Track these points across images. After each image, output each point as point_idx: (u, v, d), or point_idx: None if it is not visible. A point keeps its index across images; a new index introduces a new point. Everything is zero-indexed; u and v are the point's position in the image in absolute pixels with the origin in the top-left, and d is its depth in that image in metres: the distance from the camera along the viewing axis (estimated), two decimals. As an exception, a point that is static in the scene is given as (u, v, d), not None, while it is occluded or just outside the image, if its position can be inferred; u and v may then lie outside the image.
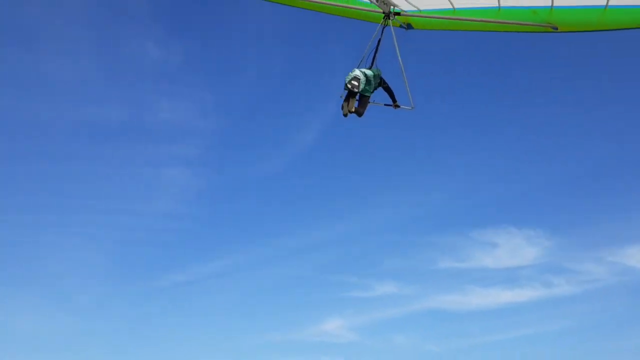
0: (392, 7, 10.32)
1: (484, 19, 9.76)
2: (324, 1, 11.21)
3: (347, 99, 10.37)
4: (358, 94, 10.41)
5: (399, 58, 10.40)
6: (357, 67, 10.35)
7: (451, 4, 9.39)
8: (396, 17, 10.56)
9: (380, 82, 10.81)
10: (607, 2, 8.00)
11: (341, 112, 10.49)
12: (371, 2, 10.24)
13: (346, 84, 10.09)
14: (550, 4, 8.61)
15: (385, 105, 10.94)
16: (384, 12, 10.46)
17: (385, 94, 10.97)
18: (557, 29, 9.22)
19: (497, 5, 9.02)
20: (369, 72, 10.37)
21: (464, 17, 10.04)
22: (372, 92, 10.69)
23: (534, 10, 9.13)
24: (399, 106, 10.94)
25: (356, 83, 10.09)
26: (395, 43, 10.44)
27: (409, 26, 11.11)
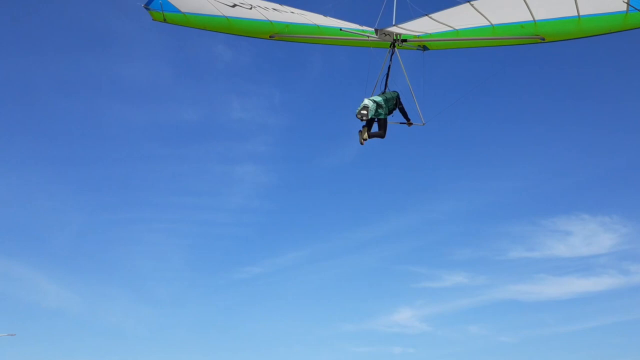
0: (396, 35, 11.52)
1: (484, 37, 10.99)
2: (337, 37, 12.26)
3: (363, 128, 11.57)
4: (375, 120, 11.69)
5: (407, 79, 11.93)
6: (373, 94, 11.70)
7: (452, 27, 10.49)
8: (404, 43, 11.85)
9: (396, 104, 11.89)
10: (579, 13, 9.08)
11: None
12: (375, 38, 11.60)
13: (356, 115, 11.17)
14: (532, 19, 9.67)
15: (400, 123, 12.18)
16: (391, 45, 11.82)
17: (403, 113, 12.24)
18: (544, 39, 10.59)
19: (491, 23, 10.08)
20: (378, 98, 11.51)
21: (467, 37, 11.24)
22: (389, 113, 11.77)
23: (522, 25, 10.16)
24: (412, 124, 12.17)
25: (365, 112, 11.14)
26: (402, 66, 11.89)
27: (425, 48, 12.38)
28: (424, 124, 12.14)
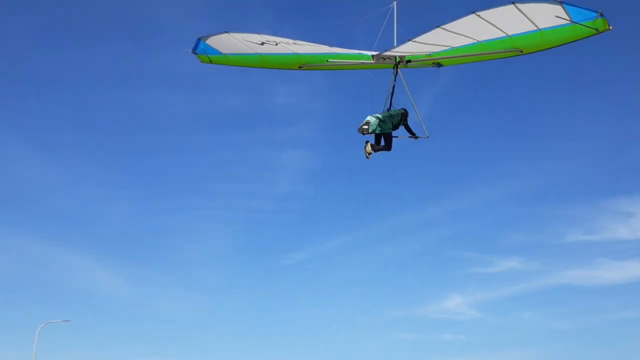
0: (398, 56, 12.66)
1: (477, 52, 12.18)
2: (344, 62, 13.51)
3: (366, 143, 12.57)
4: (382, 136, 12.83)
5: (410, 97, 13.02)
6: (384, 109, 12.91)
7: (449, 45, 11.73)
8: (409, 63, 12.96)
9: (401, 119, 12.89)
10: (539, 27, 10.34)
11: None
12: (379, 61, 12.89)
13: (358, 130, 12.35)
14: (507, 34, 10.84)
15: (408, 137, 13.18)
16: (394, 66, 12.99)
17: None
18: (522, 51, 11.84)
19: (479, 40, 11.28)
20: (381, 115, 12.58)
21: (464, 54, 12.46)
22: (394, 128, 12.83)
23: (502, 40, 11.24)
24: (417, 137, 13.16)
25: (366, 127, 12.30)
26: (405, 85, 13.04)
27: (440, 65, 13.44)
28: (427, 137, 13.13)
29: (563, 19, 9.70)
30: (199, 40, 13.05)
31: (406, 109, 12.99)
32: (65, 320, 48.41)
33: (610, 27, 9.80)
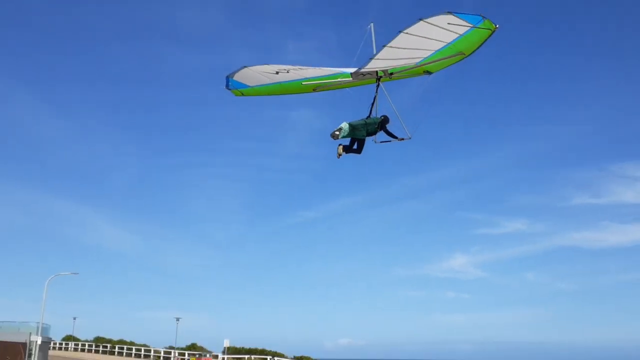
0: (379, 70, 14.03)
1: (442, 57, 13.47)
2: (334, 81, 14.94)
3: (339, 146, 14.21)
4: (356, 141, 14.37)
5: (392, 105, 14.35)
6: (370, 116, 14.29)
7: (411, 64, 13.79)
8: (392, 75, 14.33)
9: (379, 126, 14.16)
10: (459, 34, 11.99)
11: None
12: (359, 78, 14.36)
13: (330, 135, 13.98)
14: (448, 42, 12.56)
15: (400, 139, 14.37)
16: (376, 79, 14.38)
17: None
18: (465, 54, 13.45)
19: (437, 49, 12.89)
20: (356, 123, 14.06)
21: (429, 61, 13.77)
22: (369, 134, 14.21)
23: (450, 47, 12.92)
24: (401, 139, 14.27)
25: (337, 133, 13.91)
26: (385, 92, 14.46)
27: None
28: (410, 138, 14.18)
29: (464, 25, 11.59)
30: (227, 78, 15.26)
31: (386, 115, 14.20)
32: (74, 273, 49.89)
33: (496, 26, 11.69)
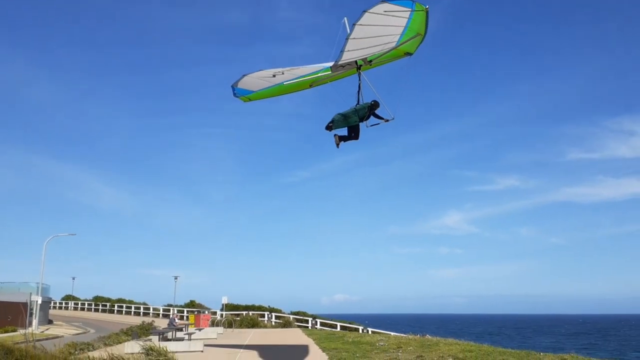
0: (359, 60, 14.99)
1: (396, 56, 15.18)
2: (324, 74, 15.81)
3: (335, 136, 15.40)
4: (351, 128, 15.43)
5: (374, 90, 15.37)
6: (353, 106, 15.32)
7: (389, 50, 14.80)
8: (371, 63, 15.34)
9: (369, 110, 15.08)
10: (408, 17, 12.91)
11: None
12: (338, 70, 15.38)
13: (325, 128, 15.51)
14: (396, 43, 14.21)
15: (386, 120, 15.24)
16: (357, 68, 15.39)
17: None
18: (411, 54, 15.16)
19: (393, 45, 14.39)
20: (346, 112, 15.24)
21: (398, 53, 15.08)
22: (361, 120, 15.21)
23: (397, 48, 14.57)
24: (386, 120, 15.16)
25: (331, 125, 15.37)
26: (368, 82, 15.51)
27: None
28: (393, 118, 15.13)
29: (404, 10, 12.48)
30: (232, 87, 16.77)
31: (376, 100, 15.05)
32: (72, 234, 50.47)
33: (426, 7, 12.68)
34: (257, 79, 16.17)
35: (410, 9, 12.60)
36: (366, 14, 12.35)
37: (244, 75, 16.02)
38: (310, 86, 16.95)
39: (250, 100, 17.77)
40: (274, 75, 15.82)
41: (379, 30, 13.41)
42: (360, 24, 12.78)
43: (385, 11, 12.40)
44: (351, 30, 12.98)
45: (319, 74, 15.89)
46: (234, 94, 17.14)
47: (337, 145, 15.46)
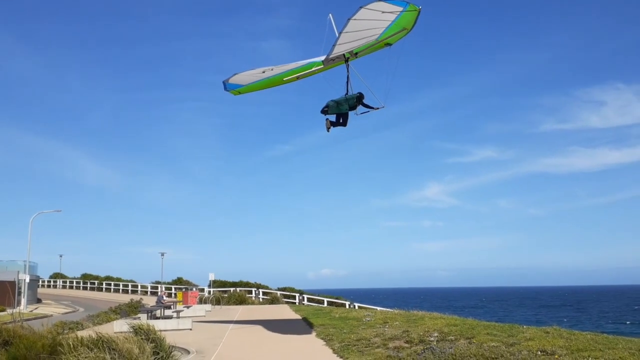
0: (346, 53, 16.24)
1: (390, 34, 15.68)
2: (309, 71, 17.34)
3: (327, 120, 16.84)
4: (341, 115, 16.87)
5: (362, 80, 16.73)
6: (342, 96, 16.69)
7: (372, 42, 16.00)
8: (357, 55, 16.65)
9: (357, 101, 16.44)
10: (399, 12, 13.85)
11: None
12: (329, 63, 16.83)
13: (321, 112, 16.78)
14: (379, 37, 15.46)
15: (376, 109, 16.61)
16: (345, 61, 16.63)
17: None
18: (390, 44, 16.21)
19: (377, 39, 15.75)
20: (338, 99, 16.55)
21: (386, 37, 15.81)
22: (351, 108, 16.58)
23: (377, 40, 15.71)
24: (376, 108, 16.46)
25: (326, 109, 16.67)
26: (356, 73, 16.84)
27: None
28: (383, 107, 16.28)
29: (396, 10, 13.59)
30: (224, 82, 17.95)
31: (361, 92, 16.53)
32: (57, 210, 50.20)
33: (419, 7, 13.75)
34: (247, 76, 17.48)
35: (403, 9, 13.55)
36: (362, 9, 13.23)
37: (235, 74, 17.34)
38: (298, 78, 17.98)
39: (240, 93, 18.92)
40: (263, 72, 17.08)
41: (369, 25, 14.29)
42: (355, 19, 13.59)
43: (381, 10, 13.42)
44: (346, 24, 13.80)
45: (308, 70, 17.12)
46: (225, 89, 18.24)
47: (328, 129, 16.82)
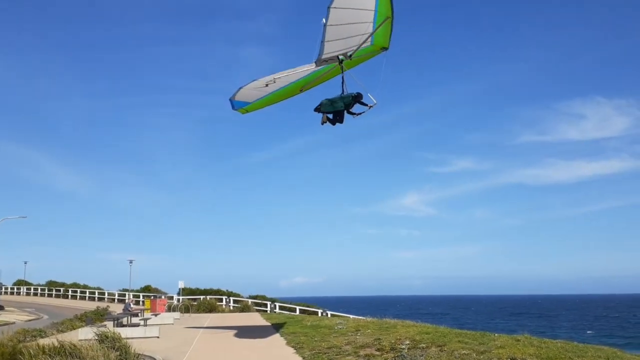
0: (341, 56, 16.46)
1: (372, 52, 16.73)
2: (310, 78, 17.78)
3: (324, 115, 16.77)
4: (336, 112, 16.76)
5: (357, 81, 16.90)
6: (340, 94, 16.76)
7: (367, 46, 16.40)
8: (350, 57, 16.59)
9: (353, 100, 16.52)
10: (374, 10, 14.12)
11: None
12: (322, 64, 16.80)
13: (314, 109, 16.79)
14: (370, 42, 15.93)
15: (370, 107, 16.60)
16: (339, 63, 16.70)
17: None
18: (387, 48, 16.42)
19: (370, 43, 15.96)
20: (332, 98, 16.60)
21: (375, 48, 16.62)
22: (346, 107, 16.59)
23: (373, 45, 16.20)
24: (370, 106, 16.45)
25: (319, 107, 16.71)
26: (349, 74, 16.88)
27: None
28: (376, 103, 16.31)
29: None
30: (231, 100, 17.86)
31: (359, 92, 16.60)
32: (22, 217, 48.81)
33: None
34: (251, 90, 17.39)
35: None
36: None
37: (240, 88, 17.27)
38: (301, 91, 18.21)
39: (247, 111, 18.86)
40: (266, 85, 17.04)
41: (353, 15, 14.32)
42: (335, 7, 13.72)
43: None
44: (327, 14, 13.92)
45: (308, 77, 17.31)
46: (233, 107, 18.26)
47: (322, 123, 16.82)
